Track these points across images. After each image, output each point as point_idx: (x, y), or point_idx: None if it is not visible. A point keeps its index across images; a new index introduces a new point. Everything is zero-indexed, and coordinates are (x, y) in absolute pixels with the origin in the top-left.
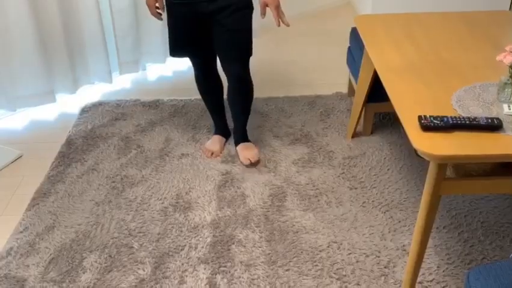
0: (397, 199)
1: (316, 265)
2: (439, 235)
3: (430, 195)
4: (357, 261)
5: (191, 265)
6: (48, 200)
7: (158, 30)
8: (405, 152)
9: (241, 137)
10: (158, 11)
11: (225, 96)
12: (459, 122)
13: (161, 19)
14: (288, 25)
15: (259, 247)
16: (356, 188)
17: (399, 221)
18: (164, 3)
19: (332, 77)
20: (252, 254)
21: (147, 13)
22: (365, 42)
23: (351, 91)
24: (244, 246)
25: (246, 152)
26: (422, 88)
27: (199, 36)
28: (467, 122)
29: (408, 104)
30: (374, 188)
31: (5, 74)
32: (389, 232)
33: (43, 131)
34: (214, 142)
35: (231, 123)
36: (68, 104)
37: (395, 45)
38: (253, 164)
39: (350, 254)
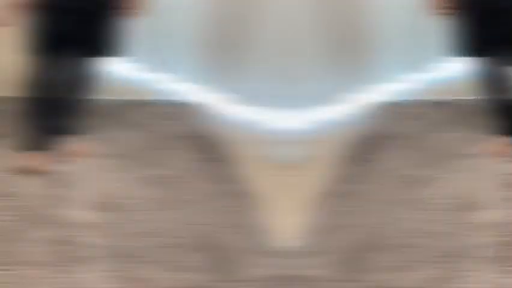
0: None
1: None
2: None
3: None
4: None
5: (478, 265)
6: (335, 199)
7: (439, 28)
8: None
9: None
10: (447, 10)
11: None
12: None
13: (452, 18)
14: None
15: None
16: None
17: None
18: None
19: None
20: None
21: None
22: None
23: None
24: None
25: None
26: None
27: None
28: None
29: None
30: None
31: (286, 73)
32: None
33: (327, 132)
34: (498, 142)
35: None
36: (352, 104)
37: None
38: None
39: None
